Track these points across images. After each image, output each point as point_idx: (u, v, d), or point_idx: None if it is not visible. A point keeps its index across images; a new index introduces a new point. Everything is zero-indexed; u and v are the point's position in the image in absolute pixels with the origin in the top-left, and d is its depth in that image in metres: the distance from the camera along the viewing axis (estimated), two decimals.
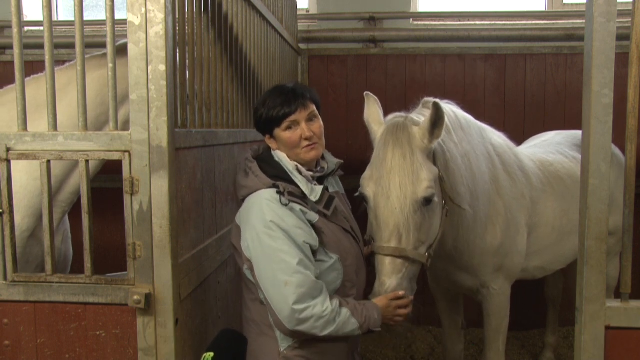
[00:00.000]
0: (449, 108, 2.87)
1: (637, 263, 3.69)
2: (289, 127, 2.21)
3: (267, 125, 2.26)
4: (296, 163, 2.24)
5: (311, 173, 2.26)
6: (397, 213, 2.32)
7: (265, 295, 2.09)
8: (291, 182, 2.19)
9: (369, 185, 2.43)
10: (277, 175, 2.20)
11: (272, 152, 2.30)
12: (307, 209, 2.17)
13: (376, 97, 2.70)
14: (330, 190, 2.34)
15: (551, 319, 4.57)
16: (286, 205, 2.11)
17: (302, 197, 2.19)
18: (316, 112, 2.27)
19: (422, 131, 2.45)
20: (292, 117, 2.20)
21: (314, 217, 2.17)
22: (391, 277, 2.28)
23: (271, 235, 2.07)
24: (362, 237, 2.44)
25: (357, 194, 2.48)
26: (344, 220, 2.31)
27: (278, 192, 2.13)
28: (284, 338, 2.17)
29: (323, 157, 2.38)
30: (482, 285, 3.13)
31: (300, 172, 2.22)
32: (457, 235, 2.87)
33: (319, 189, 2.21)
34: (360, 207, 2.53)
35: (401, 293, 2.28)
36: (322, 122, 2.28)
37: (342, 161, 2.43)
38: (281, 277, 2.04)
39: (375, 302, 2.24)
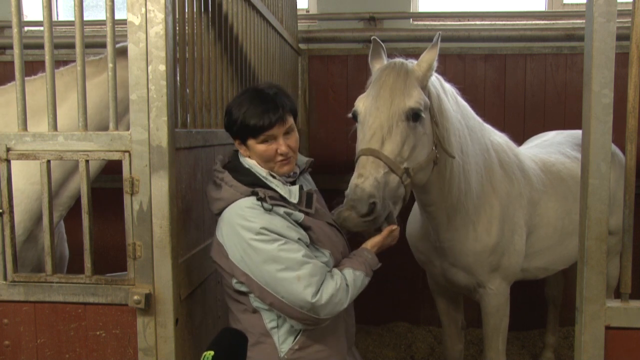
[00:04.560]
0: (449, 86, 2.91)
1: (637, 263, 3.69)
2: (265, 140, 2.12)
3: (241, 131, 2.15)
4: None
5: (284, 177, 2.21)
6: (382, 117, 2.38)
7: (279, 297, 2.03)
8: (267, 187, 2.13)
9: (361, 101, 2.52)
10: (252, 183, 2.13)
11: (241, 158, 2.22)
12: (291, 209, 2.12)
13: (382, 44, 2.83)
14: (305, 188, 2.27)
15: (551, 319, 4.56)
16: (270, 210, 2.06)
17: (282, 199, 2.13)
18: (293, 124, 2.19)
19: (420, 63, 2.56)
20: (270, 132, 2.11)
21: (300, 216, 2.13)
22: (368, 177, 2.26)
23: (266, 240, 2.01)
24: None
25: (349, 114, 2.55)
26: (325, 214, 2.29)
27: (259, 199, 2.06)
28: (283, 342, 2.14)
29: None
30: (478, 285, 3.13)
31: (273, 177, 2.16)
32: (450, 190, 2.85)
33: (295, 189, 2.16)
34: (352, 129, 2.59)
35: (394, 227, 2.30)
36: (297, 134, 2.22)
37: (313, 159, 2.41)
38: (290, 274, 2.00)
39: (371, 243, 2.26)
